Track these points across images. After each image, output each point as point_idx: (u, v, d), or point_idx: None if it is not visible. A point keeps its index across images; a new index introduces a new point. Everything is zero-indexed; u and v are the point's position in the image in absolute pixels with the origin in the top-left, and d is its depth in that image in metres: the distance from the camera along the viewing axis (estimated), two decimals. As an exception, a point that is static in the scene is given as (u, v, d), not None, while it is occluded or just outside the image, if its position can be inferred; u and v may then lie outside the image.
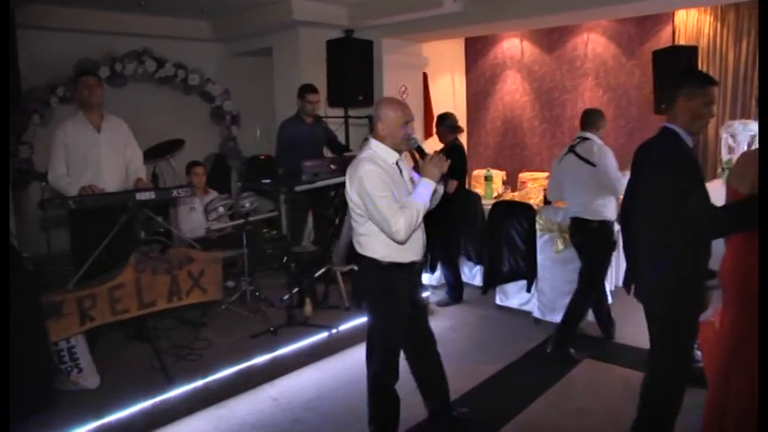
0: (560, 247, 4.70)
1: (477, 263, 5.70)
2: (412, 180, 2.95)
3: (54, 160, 4.08)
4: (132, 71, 6.04)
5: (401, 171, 2.90)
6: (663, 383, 2.79)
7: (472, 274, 5.93)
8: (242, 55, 7.33)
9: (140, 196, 3.84)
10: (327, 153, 5.69)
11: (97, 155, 4.18)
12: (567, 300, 4.65)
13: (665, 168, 2.62)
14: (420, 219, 2.79)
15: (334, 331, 4.53)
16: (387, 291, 2.92)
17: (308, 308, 4.70)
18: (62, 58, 5.47)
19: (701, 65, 5.92)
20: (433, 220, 3.02)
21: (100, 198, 3.81)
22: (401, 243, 2.80)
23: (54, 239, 5.45)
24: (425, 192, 2.76)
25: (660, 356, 2.79)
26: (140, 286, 3.71)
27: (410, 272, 2.98)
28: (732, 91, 5.95)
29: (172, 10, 6.20)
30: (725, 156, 5.53)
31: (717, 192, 2.87)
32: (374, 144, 2.85)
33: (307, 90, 5.37)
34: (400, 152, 2.91)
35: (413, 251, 2.93)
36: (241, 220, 4.76)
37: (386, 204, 2.70)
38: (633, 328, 4.47)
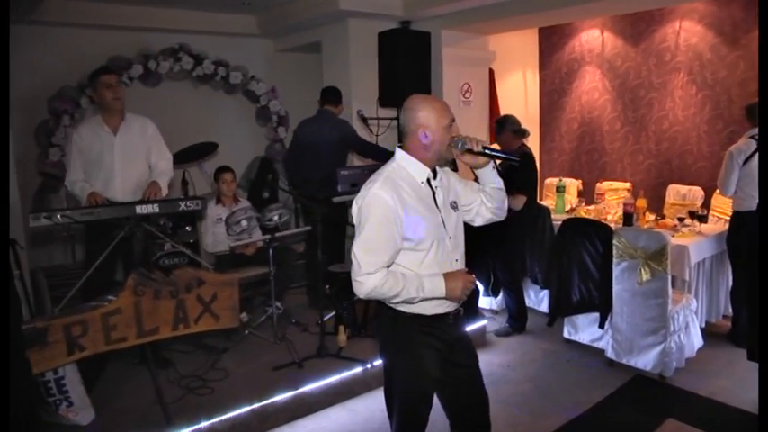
0: (644, 277, 3.92)
1: (543, 287, 4.98)
2: (454, 205, 2.31)
3: (70, 165, 3.83)
4: (168, 69, 5.68)
5: (434, 192, 2.24)
6: None
7: (539, 299, 5.22)
8: (289, 51, 6.87)
9: (141, 209, 3.37)
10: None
11: (110, 160, 3.85)
12: (646, 341, 3.99)
13: None
14: (396, 300, 2.16)
15: (369, 366, 3.99)
16: (402, 349, 2.27)
17: (343, 336, 4.20)
18: (93, 56, 5.15)
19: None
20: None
21: (94, 211, 3.36)
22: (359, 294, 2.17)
23: (79, 250, 5.13)
24: (429, 293, 2.15)
25: None
26: (140, 312, 3.26)
27: (439, 327, 2.28)
28: None
29: (211, 4, 5.82)
30: None
31: None
32: (401, 157, 2.22)
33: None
34: (444, 163, 2.31)
35: (439, 300, 2.24)
36: (267, 236, 4.24)
37: (375, 242, 2.09)
38: (728, 381, 3.73)
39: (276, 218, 4.32)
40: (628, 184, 6.16)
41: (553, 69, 7.19)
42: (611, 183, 6.27)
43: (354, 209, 2.18)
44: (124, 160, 3.88)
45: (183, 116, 6.10)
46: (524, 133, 4.75)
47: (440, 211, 2.23)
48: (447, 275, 2.17)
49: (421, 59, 5.52)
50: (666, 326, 3.89)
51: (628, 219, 4.38)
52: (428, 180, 2.22)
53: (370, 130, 5.36)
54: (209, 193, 5.21)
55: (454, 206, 2.31)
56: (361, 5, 5.45)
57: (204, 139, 5.63)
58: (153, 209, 3.43)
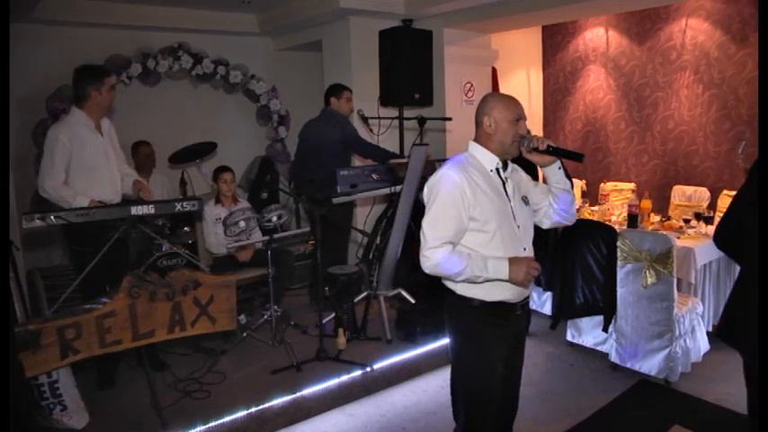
0: (649, 280, 3.84)
1: (546, 289, 4.90)
2: (525, 200, 2.39)
3: (52, 167, 3.55)
4: (167, 68, 5.61)
5: (504, 182, 2.32)
6: None
7: (541, 302, 5.14)
8: (290, 49, 6.79)
9: (137, 210, 3.31)
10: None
11: (105, 164, 3.74)
12: (651, 345, 3.92)
13: None
14: (458, 279, 2.23)
15: (368, 369, 3.94)
16: (472, 340, 2.34)
17: (342, 339, 4.13)
18: (91, 55, 5.07)
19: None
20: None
21: (89, 213, 3.29)
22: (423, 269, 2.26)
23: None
24: (493, 273, 2.19)
25: None
26: (135, 314, 3.20)
27: (506, 317, 2.34)
28: None
29: (210, 2, 5.75)
30: None
31: None
32: (473, 146, 2.35)
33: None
34: (509, 158, 2.37)
35: (502, 286, 2.27)
36: (265, 238, 4.17)
37: (441, 218, 2.20)
38: (735, 387, 3.63)
39: (275, 219, 4.25)
40: (632, 185, 6.07)
41: (557, 68, 7.11)
42: (615, 183, 6.18)
43: (425, 190, 2.28)
44: (112, 161, 3.79)
45: (182, 115, 6.05)
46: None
47: (509, 200, 2.30)
48: (512, 259, 2.20)
49: (423, 58, 5.43)
50: (672, 330, 3.81)
51: (632, 220, 4.30)
52: (497, 170, 2.31)
53: (371, 130, 5.29)
54: (208, 194, 5.15)
55: (525, 201, 2.39)
56: (362, 3, 5.37)
57: (203, 139, 5.56)
58: (149, 210, 3.36)
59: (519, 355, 2.47)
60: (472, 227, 2.22)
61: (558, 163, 2.32)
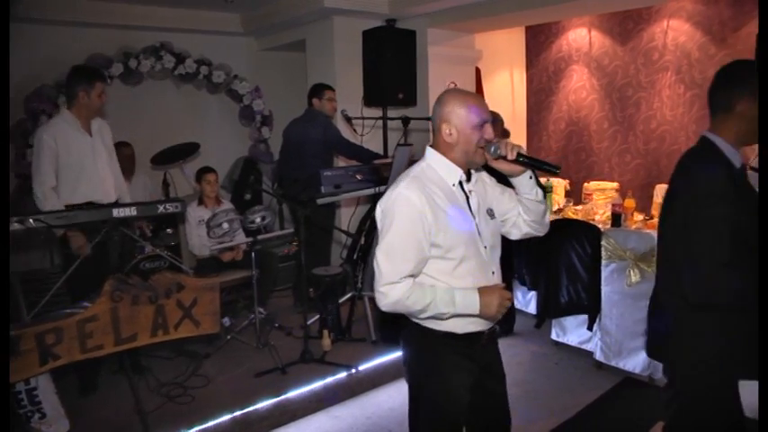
0: (634, 279, 3.86)
1: (531, 288, 4.91)
2: (491, 213, 2.10)
3: (39, 171, 3.52)
4: (149, 67, 5.55)
5: (468, 196, 2.04)
6: None
7: (526, 301, 5.16)
8: (273, 49, 6.75)
9: (118, 213, 3.25)
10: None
11: (94, 163, 3.69)
12: (635, 343, 3.95)
13: (690, 192, 1.97)
14: (423, 316, 1.96)
15: (354, 371, 3.93)
16: (432, 372, 2.06)
17: (327, 341, 4.13)
18: (72, 54, 5.00)
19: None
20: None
21: (69, 215, 3.23)
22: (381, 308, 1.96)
23: (57, 254, 4.99)
24: (462, 308, 1.93)
25: None
26: (117, 318, 3.14)
27: (471, 347, 2.06)
28: None
29: (193, 1, 5.70)
30: None
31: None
32: (431, 156, 2.03)
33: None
34: (474, 167, 2.07)
35: (472, 318, 2.01)
36: (249, 239, 4.14)
37: (398, 249, 1.89)
38: None
39: (259, 220, 4.22)
40: (615, 184, 6.10)
41: (540, 68, 7.11)
42: (598, 183, 6.20)
43: (378, 212, 1.98)
44: (104, 163, 3.76)
45: (164, 116, 5.99)
46: (507, 134, 4.70)
47: (474, 217, 2.02)
48: (482, 290, 1.94)
49: (406, 58, 5.41)
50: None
51: (616, 219, 4.31)
52: (461, 183, 2.02)
53: (355, 130, 5.27)
54: (191, 195, 5.10)
55: (491, 213, 2.10)
56: (346, 3, 5.35)
57: (186, 140, 5.51)
58: (130, 212, 3.30)
59: (496, 379, 2.19)
60: (434, 254, 1.95)
61: (530, 173, 2.03)
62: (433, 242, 1.92)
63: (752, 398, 3.24)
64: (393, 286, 1.89)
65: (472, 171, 2.07)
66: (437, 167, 2.01)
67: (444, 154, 2.00)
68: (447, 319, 1.96)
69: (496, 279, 2.07)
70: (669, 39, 5.85)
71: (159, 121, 5.83)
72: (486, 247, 2.03)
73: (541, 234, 2.21)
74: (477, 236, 2.01)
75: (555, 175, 1.98)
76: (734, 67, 2.04)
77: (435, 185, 1.97)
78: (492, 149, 1.96)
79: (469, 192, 2.05)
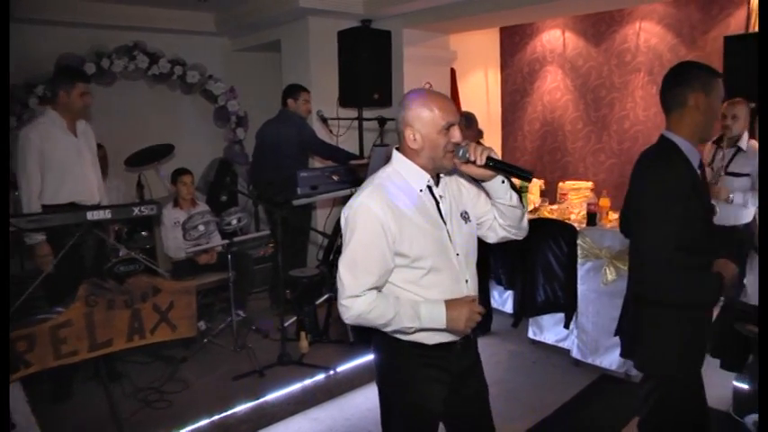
0: (609, 277, 3.91)
1: (507, 288, 4.94)
2: (465, 215, 1.99)
3: (29, 174, 3.47)
4: (122, 67, 5.46)
5: (438, 201, 1.94)
6: None
7: (503, 300, 5.18)
8: (248, 50, 6.70)
9: (92, 215, 3.20)
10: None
11: (79, 164, 3.66)
12: (612, 340, 3.95)
13: (653, 199, 2.06)
14: (386, 329, 1.88)
15: (332, 372, 3.92)
16: (402, 384, 1.98)
17: (304, 343, 4.11)
18: (42, 54, 4.92)
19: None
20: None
21: (42, 219, 3.17)
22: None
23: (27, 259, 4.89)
24: (427, 322, 1.85)
25: None
26: (92, 323, 3.09)
27: (444, 357, 1.96)
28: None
29: (166, 0, 5.63)
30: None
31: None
32: (397, 160, 1.93)
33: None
34: (444, 171, 1.96)
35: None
36: (225, 241, 4.10)
37: (360, 261, 1.82)
38: None
39: (235, 222, 4.18)
40: (590, 184, 6.15)
41: (515, 69, 7.18)
42: (573, 182, 6.25)
43: (342, 220, 1.90)
44: (89, 164, 3.73)
45: (138, 117, 5.90)
46: (481, 134, 4.73)
47: (445, 222, 1.92)
48: (449, 303, 1.85)
49: (382, 59, 5.41)
50: (632, 326, 3.89)
51: (591, 218, 4.36)
52: (429, 187, 1.92)
53: (330, 131, 5.25)
54: (166, 197, 5.03)
55: (465, 217, 1.99)
56: (321, 3, 5.33)
57: (160, 141, 5.44)
58: (105, 215, 3.25)
59: (475, 386, 2.10)
60: (400, 263, 1.86)
61: (503, 177, 1.90)
62: (398, 251, 1.84)
63: (720, 390, 3.35)
64: (355, 299, 1.82)
65: (442, 174, 1.97)
66: (403, 172, 1.91)
67: (411, 159, 1.90)
68: (413, 333, 1.89)
69: (470, 288, 1.97)
70: (641, 41, 5.95)
71: (133, 122, 5.75)
72: (458, 255, 1.93)
73: (520, 238, 2.10)
74: (449, 243, 1.91)
75: (527, 180, 1.88)
76: (682, 66, 2.17)
77: (401, 191, 1.87)
78: (460, 153, 1.84)
79: (439, 197, 1.94)
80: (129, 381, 3.70)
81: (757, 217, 4.09)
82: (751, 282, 3.84)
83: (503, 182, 1.90)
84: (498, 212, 2.00)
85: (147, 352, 3.97)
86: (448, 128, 1.83)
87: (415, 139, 1.85)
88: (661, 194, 2.03)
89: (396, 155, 1.94)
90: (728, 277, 2.07)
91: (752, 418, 3.23)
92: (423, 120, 1.83)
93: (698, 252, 2.08)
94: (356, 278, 1.81)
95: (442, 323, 1.84)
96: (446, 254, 1.90)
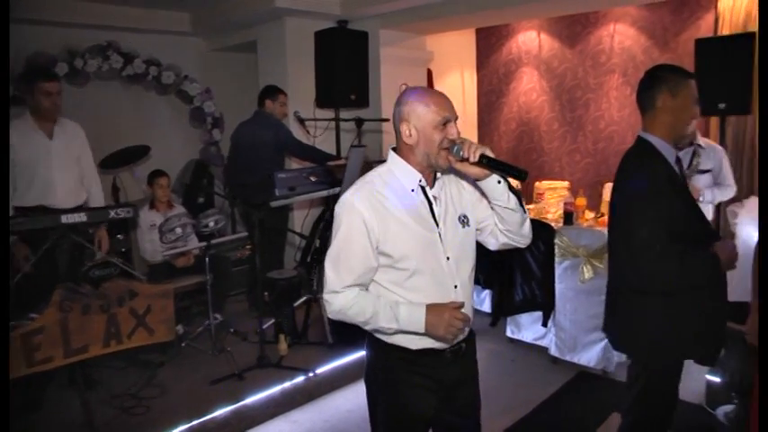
0: (587, 275, 3.95)
1: (485, 287, 4.96)
2: (464, 220, 1.94)
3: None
4: (95, 67, 5.37)
5: (431, 202, 1.89)
6: None
7: (480, 299, 5.20)
8: (223, 50, 6.65)
9: (67, 219, 3.15)
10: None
11: (48, 166, 3.59)
12: (589, 337, 4.04)
13: (630, 196, 2.21)
14: (366, 328, 1.88)
15: (311, 374, 3.90)
16: (387, 387, 1.95)
17: (283, 345, 4.09)
18: (13, 53, 4.78)
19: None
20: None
21: (14, 222, 3.11)
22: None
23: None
24: (406, 324, 1.80)
25: None
26: (67, 329, 3.06)
27: (431, 365, 1.92)
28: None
29: (141, -1, 5.56)
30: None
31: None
32: (392, 159, 1.90)
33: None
34: (440, 170, 1.90)
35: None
36: (202, 244, 4.07)
37: (343, 257, 1.81)
38: None
39: (212, 224, 4.14)
40: (566, 183, 6.22)
41: (491, 70, 7.22)
42: (550, 182, 6.31)
43: (335, 216, 1.90)
44: (62, 167, 3.66)
45: (113, 118, 5.80)
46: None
47: (437, 225, 1.87)
48: (430, 308, 1.79)
49: (359, 59, 5.39)
50: (609, 323, 3.93)
51: (568, 217, 4.41)
52: (423, 188, 1.88)
53: (308, 132, 5.23)
54: (142, 199, 4.97)
55: (464, 221, 1.93)
56: (297, 4, 5.31)
57: (136, 142, 5.36)
58: (80, 218, 3.20)
59: (465, 402, 2.04)
60: (384, 263, 1.83)
61: (499, 177, 1.81)
62: (382, 251, 1.82)
63: (694, 383, 3.41)
64: (336, 295, 1.82)
65: (438, 174, 1.92)
66: (396, 171, 1.88)
67: (406, 157, 1.86)
68: (392, 334, 1.86)
69: (460, 294, 1.89)
70: (615, 42, 6.03)
71: (107, 123, 5.64)
72: (449, 259, 1.87)
73: (522, 245, 2.00)
74: (439, 246, 1.86)
75: (521, 180, 1.80)
76: (654, 70, 2.30)
77: (391, 190, 1.84)
78: (455, 150, 1.78)
79: (433, 198, 1.89)
80: (104, 387, 3.64)
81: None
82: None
83: (498, 182, 1.82)
84: (498, 217, 1.91)
85: (124, 357, 3.91)
86: (444, 124, 1.80)
87: (410, 135, 1.82)
88: (640, 190, 2.14)
89: (391, 154, 1.92)
90: (725, 257, 2.16)
91: (723, 410, 3.30)
92: (418, 114, 1.80)
93: (686, 240, 2.16)
94: (338, 274, 1.82)
95: (421, 327, 1.79)
96: (435, 257, 1.86)
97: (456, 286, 1.90)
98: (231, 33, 6.29)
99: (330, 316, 1.88)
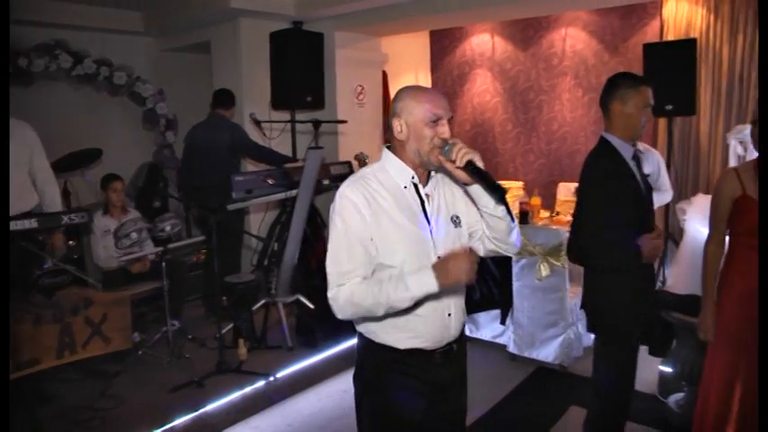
0: (543, 273, 4.04)
1: (443, 288, 5.01)
2: (456, 220, 1.91)
3: None
4: (42, 67, 5.17)
5: (423, 200, 1.87)
6: None
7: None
8: (177, 51, 6.51)
9: (16, 225, 3.04)
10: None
11: None
12: (546, 333, 4.13)
13: (586, 183, 2.54)
14: (379, 313, 1.77)
15: (272, 379, 3.87)
16: (372, 388, 1.93)
17: (243, 350, 4.04)
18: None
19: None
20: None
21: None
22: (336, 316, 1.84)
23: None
24: (416, 290, 1.72)
25: None
26: (17, 341, 2.94)
27: (420, 367, 1.89)
28: (727, 92, 5.33)
29: (91, -4, 5.40)
30: (734, 165, 4.93)
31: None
32: (385, 155, 1.90)
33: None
34: (432, 168, 1.88)
35: (415, 332, 1.85)
36: (158, 249, 3.99)
37: (342, 248, 1.79)
38: None
39: (169, 228, 4.06)
40: (521, 183, 6.34)
41: (445, 72, 7.29)
42: (504, 182, 6.41)
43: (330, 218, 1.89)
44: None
45: (62, 120, 5.58)
46: None
47: (429, 223, 1.85)
48: (434, 265, 1.72)
49: (314, 61, 5.38)
50: (565, 318, 4.04)
51: (524, 217, 4.49)
52: (415, 186, 1.86)
53: (264, 134, 5.19)
54: (95, 204, 4.83)
55: (456, 221, 1.90)
56: (252, 4, 5.26)
57: (87, 145, 5.21)
58: (30, 224, 3.10)
59: (454, 404, 2.04)
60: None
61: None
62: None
63: (648, 374, 3.51)
64: (340, 289, 1.77)
65: (432, 173, 1.90)
66: (389, 168, 1.87)
67: (399, 154, 1.85)
68: (411, 308, 1.78)
69: (450, 293, 1.89)
70: (567, 46, 6.17)
71: (56, 125, 5.44)
72: (439, 257, 1.81)
73: (510, 254, 1.98)
74: (430, 244, 1.84)
75: (498, 196, 1.76)
76: (612, 78, 2.56)
77: (383, 187, 1.83)
78: (445, 150, 1.75)
79: (426, 195, 1.87)
80: (57, 401, 3.51)
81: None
82: (673, 273, 4.05)
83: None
84: (485, 222, 1.88)
85: (77, 368, 3.78)
86: (435, 121, 1.78)
87: (401, 130, 1.82)
88: (593, 180, 2.49)
89: (384, 151, 1.91)
90: (645, 251, 2.42)
91: (674, 398, 3.44)
92: (410, 110, 1.80)
93: (628, 228, 2.43)
94: (340, 266, 1.78)
95: (434, 285, 1.70)
96: (424, 253, 1.82)
97: None
98: (184, 33, 6.17)
99: (339, 315, 1.80)
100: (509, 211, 1.84)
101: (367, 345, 1.92)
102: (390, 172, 1.86)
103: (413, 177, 1.85)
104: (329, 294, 1.80)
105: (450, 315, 1.91)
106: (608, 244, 2.43)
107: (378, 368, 1.90)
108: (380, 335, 1.87)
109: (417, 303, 1.78)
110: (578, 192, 2.59)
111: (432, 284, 1.70)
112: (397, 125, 1.82)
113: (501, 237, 1.88)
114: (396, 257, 1.80)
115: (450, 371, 1.96)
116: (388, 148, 1.90)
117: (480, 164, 1.71)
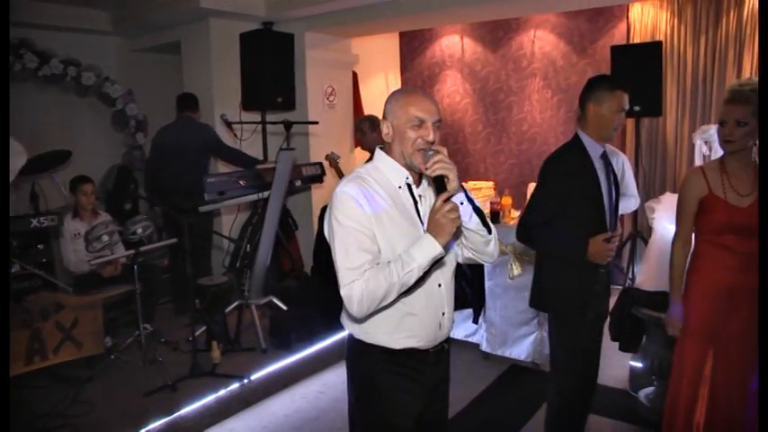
0: (515, 272, 4.10)
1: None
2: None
3: None
4: (7, 67, 5.08)
5: (416, 200, 1.88)
6: None
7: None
8: (147, 51, 6.44)
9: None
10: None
11: None
12: (519, 332, 4.19)
13: (549, 170, 2.63)
14: (393, 296, 1.73)
15: (246, 381, 3.86)
16: (367, 392, 1.92)
17: (216, 353, 4.03)
18: None
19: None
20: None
21: None
22: (356, 318, 1.82)
23: None
24: (421, 258, 1.70)
25: None
26: (-16, 347, 2.88)
27: (415, 367, 1.90)
28: (692, 92, 5.48)
29: (58, -5, 5.30)
30: (699, 164, 5.07)
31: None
32: (378, 156, 1.90)
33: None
34: (416, 170, 1.85)
35: (411, 331, 1.86)
36: (130, 252, 3.94)
37: (349, 244, 1.75)
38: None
39: (140, 231, 4.02)
40: (491, 183, 6.41)
41: (415, 73, 7.33)
42: (475, 182, 6.45)
43: (325, 225, 1.86)
44: None
45: (29, 121, 5.48)
46: None
47: (422, 223, 1.85)
48: (426, 229, 1.73)
49: (284, 62, 5.35)
50: (538, 316, 4.10)
51: (495, 216, 4.54)
52: (409, 186, 1.87)
53: (235, 135, 5.17)
54: (64, 207, 4.75)
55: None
56: (222, 4, 5.22)
57: (55, 147, 5.11)
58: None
59: (440, 404, 2.06)
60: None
61: (462, 197, 1.76)
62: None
63: (618, 370, 3.59)
64: (353, 285, 1.71)
65: (423, 174, 1.88)
66: (383, 168, 1.87)
67: (390, 154, 1.87)
68: (420, 277, 1.74)
69: (444, 292, 1.91)
70: (536, 47, 6.26)
71: (23, 126, 5.33)
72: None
73: (487, 263, 1.99)
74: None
75: (476, 210, 1.80)
76: (591, 79, 2.67)
77: (380, 186, 1.83)
78: (428, 154, 1.75)
79: (419, 196, 1.89)
80: (26, 408, 3.42)
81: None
82: (643, 270, 4.15)
83: (461, 203, 1.76)
84: (462, 232, 1.88)
85: (47, 374, 3.71)
86: (419, 124, 1.78)
87: (387, 132, 1.85)
88: (557, 171, 2.59)
89: (378, 152, 1.91)
90: (591, 250, 2.49)
91: (644, 392, 3.54)
92: (395, 112, 1.82)
93: (576, 222, 2.53)
94: (352, 261, 1.73)
95: (435, 246, 1.69)
96: None
97: (440, 285, 1.90)
98: (154, 34, 6.11)
99: (356, 313, 1.74)
100: (485, 224, 1.85)
101: (359, 347, 1.91)
102: (384, 172, 1.87)
103: (407, 178, 1.86)
104: (342, 293, 1.74)
105: (444, 314, 1.92)
106: (557, 233, 2.56)
107: (371, 370, 1.89)
108: (374, 335, 1.87)
109: (415, 302, 1.83)
110: (540, 176, 2.66)
111: (434, 246, 1.69)
112: (385, 127, 1.85)
113: (476, 247, 1.89)
114: (392, 256, 1.77)
115: (441, 369, 2.00)
116: (382, 149, 1.91)
117: (455, 182, 1.72)
